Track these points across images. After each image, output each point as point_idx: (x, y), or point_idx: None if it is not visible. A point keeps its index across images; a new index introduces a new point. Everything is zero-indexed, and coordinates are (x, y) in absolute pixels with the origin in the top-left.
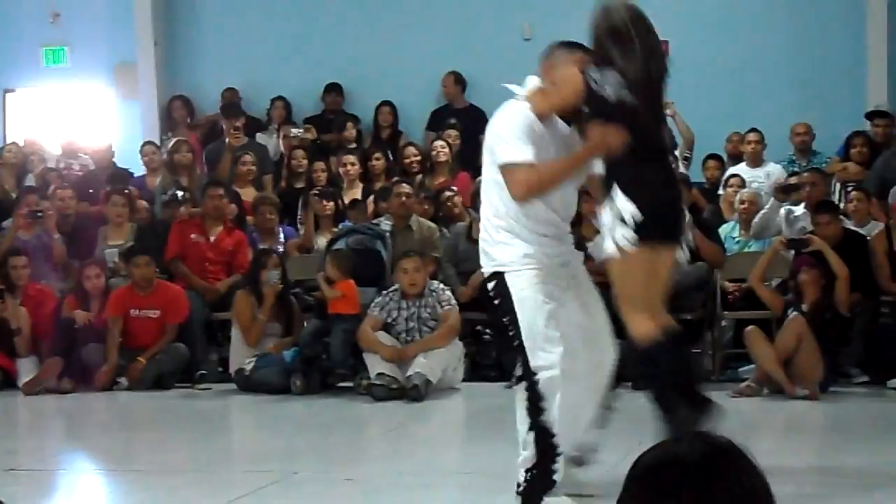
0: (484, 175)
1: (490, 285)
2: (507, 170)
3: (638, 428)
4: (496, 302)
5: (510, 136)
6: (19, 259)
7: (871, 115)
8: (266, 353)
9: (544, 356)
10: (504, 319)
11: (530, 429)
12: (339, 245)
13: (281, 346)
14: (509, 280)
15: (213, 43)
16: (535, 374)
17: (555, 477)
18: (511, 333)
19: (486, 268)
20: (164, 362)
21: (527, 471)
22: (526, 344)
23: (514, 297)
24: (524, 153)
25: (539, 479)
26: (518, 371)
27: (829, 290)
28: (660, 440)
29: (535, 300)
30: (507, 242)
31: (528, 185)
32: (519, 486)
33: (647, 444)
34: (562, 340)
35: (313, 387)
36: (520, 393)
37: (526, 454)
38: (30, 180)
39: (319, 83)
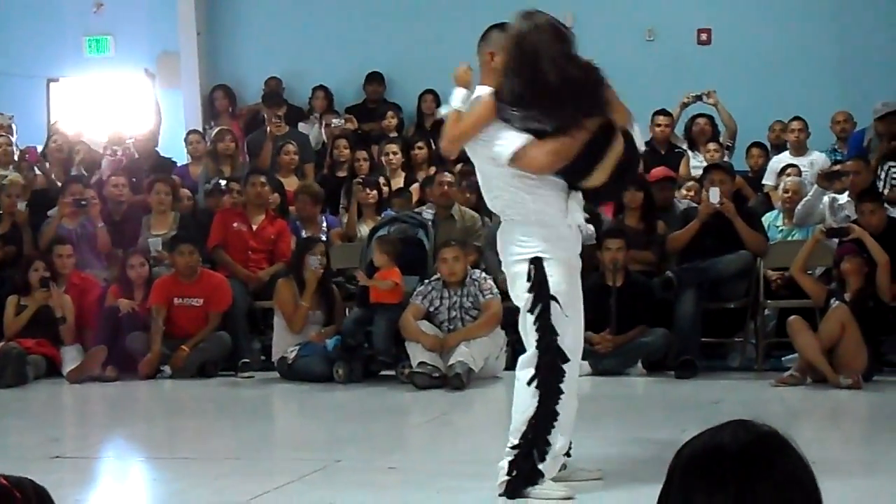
0: (495, 169)
1: (527, 271)
2: (519, 160)
3: (680, 416)
4: (532, 289)
5: (494, 134)
6: (65, 248)
7: None
8: (308, 341)
9: (570, 345)
10: (536, 307)
11: (536, 415)
12: (382, 233)
13: (323, 335)
14: (548, 268)
15: (255, 32)
16: (563, 358)
17: (541, 467)
18: (538, 320)
19: (518, 255)
20: (208, 351)
21: (512, 461)
22: (559, 329)
23: (552, 288)
24: (519, 138)
25: (525, 470)
26: (533, 358)
27: (873, 278)
28: (703, 429)
29: (569, 294)
30: (542, 226)
31: (550, 154)
32: (503, 476)
33: (689, 433)
34: (579, 334)
35: (355, 375)
36: (526, 381)
37: (515, 442)
38: (76, 170)
39: (361, 72)
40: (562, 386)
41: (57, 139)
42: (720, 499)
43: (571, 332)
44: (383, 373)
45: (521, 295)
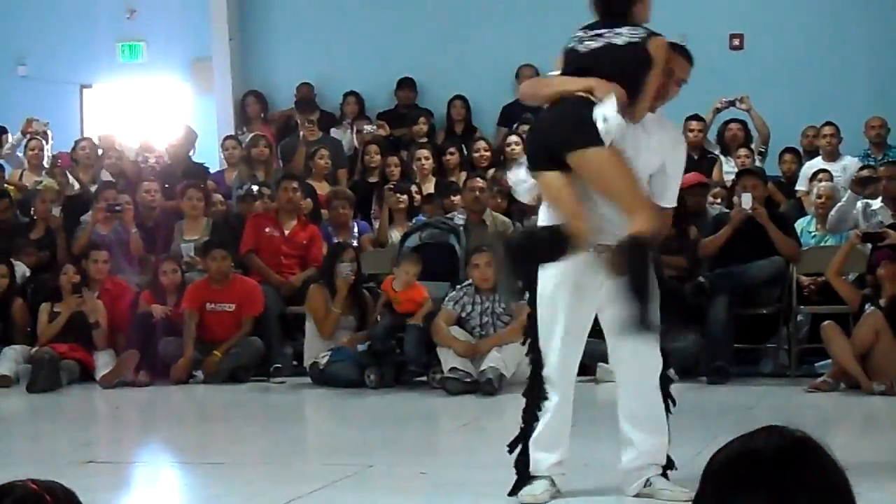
0: None
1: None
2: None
3: (712, 422)
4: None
5: None
6: (101, 254)
7: None
8: (340, 346)
9: (546, 346)
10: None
11: (523, 412)
12: (413, 239)
13: (355, 340)
14: (540, 269)
15: (287, 38)
16: (542, 369)
17: (531, 467)
18: (531, 325)
19: None
20: (240, 356)
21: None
22: (540, 330)
23: (539, 291)
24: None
25: (519, 468)
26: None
27: None
28: (736, 435)
29: (553, 299)
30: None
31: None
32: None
33: (722, 439)
34: (568, 342)
35: (387, 381)
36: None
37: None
38: (104, 175)
39: (392, 78)
40: (545, 385)
41: (85, 145)
42: None
43: (548, 333)
44: (415, 378)
45: None
